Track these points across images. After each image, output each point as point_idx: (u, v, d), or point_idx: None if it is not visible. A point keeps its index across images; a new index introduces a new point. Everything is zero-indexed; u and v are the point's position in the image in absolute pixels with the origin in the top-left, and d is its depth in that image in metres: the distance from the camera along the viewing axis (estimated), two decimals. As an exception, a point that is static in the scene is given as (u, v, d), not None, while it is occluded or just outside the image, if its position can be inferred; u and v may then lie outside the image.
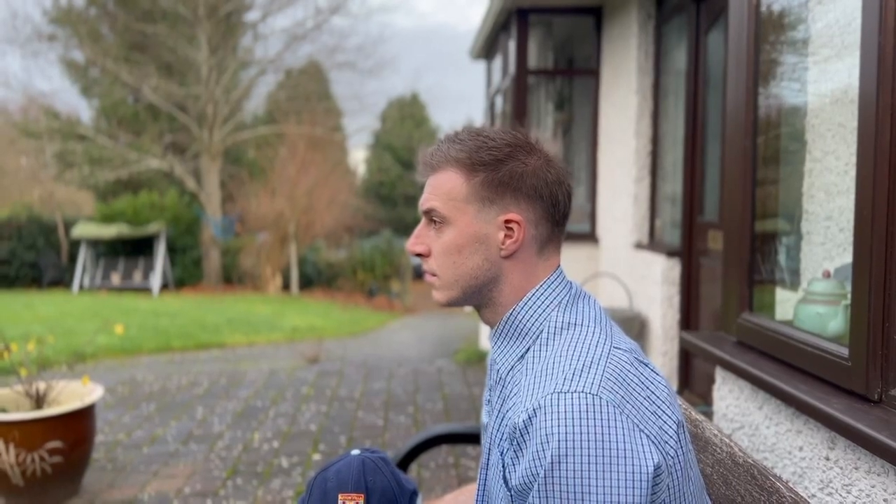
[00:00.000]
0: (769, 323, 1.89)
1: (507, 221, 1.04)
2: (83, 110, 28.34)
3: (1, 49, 25.30)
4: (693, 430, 1.48)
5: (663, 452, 0.90)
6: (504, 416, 1.01)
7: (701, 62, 3.88)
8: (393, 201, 30.70)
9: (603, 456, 0.86)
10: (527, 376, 0.98)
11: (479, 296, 1.08)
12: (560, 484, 0.86)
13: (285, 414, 4.72)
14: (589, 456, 0.86)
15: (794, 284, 2.12)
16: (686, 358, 4.05)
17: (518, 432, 0.91)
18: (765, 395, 1.79)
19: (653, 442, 0.89)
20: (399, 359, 6.87)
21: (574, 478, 0.86)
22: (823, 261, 1.95)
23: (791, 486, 1.23)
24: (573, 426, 0.86)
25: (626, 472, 0.86)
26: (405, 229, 28.74)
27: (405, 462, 2.01)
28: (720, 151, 3.65)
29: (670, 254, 4.10)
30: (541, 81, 6.73)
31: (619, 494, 0.85)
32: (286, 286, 19.41)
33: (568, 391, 0.89)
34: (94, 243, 18.27)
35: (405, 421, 4.52)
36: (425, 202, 1.08)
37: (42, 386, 3.34)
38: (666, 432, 0.92)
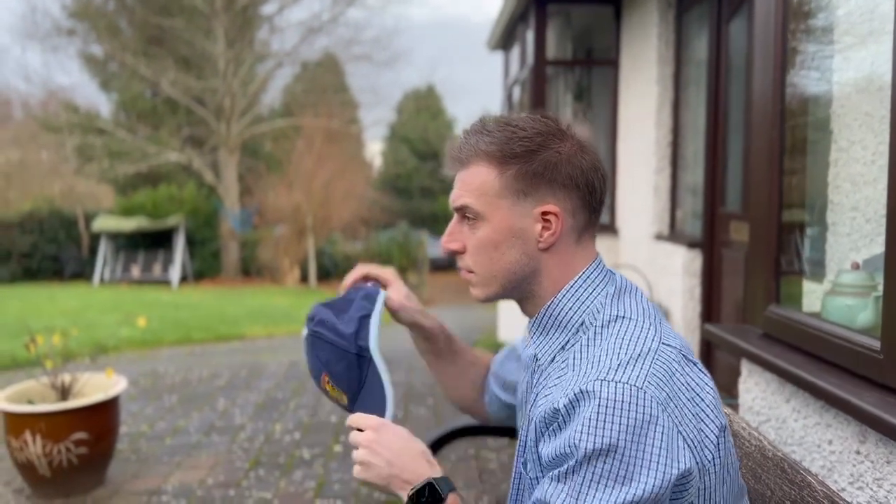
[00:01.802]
0: (797, 315, 1.87)
1: (544, 213, 1.01)
2: (102, 104, 28.57)
3: (21, 44, 25.71)
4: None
5: (699, 457, 0.89)
6: (545, 400, 1.00)
7: (723, 51, 3.83)
8: (409, 193, 30.69)
9: (637, 450, 0.85)
10: (573, 364, 0.97)
11: (519, 290, 1.07)
12: (590, 469, 0.86)
13: (306, 406, 4.75)
14: (625, 447, 0.85)
15: (819, 276, 2.09)
16: (708, 349, 4.02)
17: (560, 414, 0.91)
18: (792, 388, 1.77)
19: (688, 445, 0.88)
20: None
21: (605, 465, 0.86)
22: (850, 252, 1.92)
23: (821, 479, 1.22)
24: (615, 415, 0.86)
25: (653, 469, 0.85)
26: (422, 222, 28.75)
27: (428, 455, 2.01)
28: (743, 141, 3.61)
29: (691, 245, 4.06)
30: (559, 72, 6.69)
31: (638, 485, 0.85)
32: (304, 278, 19.50)
33: (614, 380, 0.88)
34: (114, 236, 18.44)
35: (425, 413, 4.53)
36: (457, 199, 1.06)
37: (67, 378, 3.38)
38: (707, 437, 0.91)
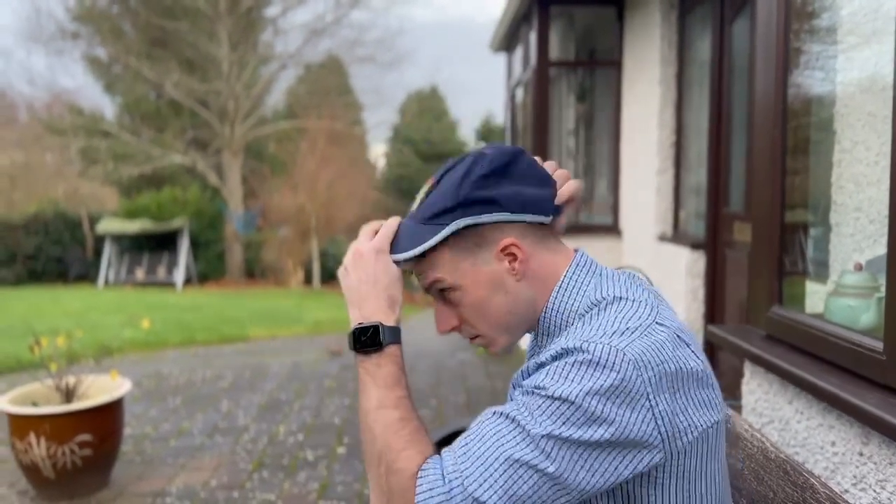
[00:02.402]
0: (799, 316, 1.86)
1: (502, 250, 1.03)
2: (106, 107, 28.63)
3: (26, 47, 25.86)
4: (723, 425, 1.46)
5: (667, 430, 0.90)
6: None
7: (725, 52, 3.83)
8: (412, 195, 30.50)
9: (599, 395, 0.87)
10: (567, 338, 0.98)
11: (528, 322, 1.08)
12: (552, 404, 0.88)
13: (309, 407, 4.76)
14: (588, 385, 0.87)
15: (822, 277, 2.09)
16: (711, 351, 4.01)
17: (543, 366, 0.94)
18: (795, 390, 1.76)
19: (655, 417, 0.89)
20: (420, 352, 6.87)
21: (565, 409, 0.87)
22: (853, 252, 1.92)
23: (824, 481, 1.21)
24: (595, 363, 0.88)
25: (609, 423, 0.87)
26: (425, 222, 28.71)
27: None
28: (746, 142, 3.60)
29: (695, 246, 4.06)
30: (562, 73, 6.69)
31: (588, 430, 0.87)
32: (308, 280, 19.52)
33: (601, 342, 0.90)
34: (119, 238, 18.49)
35: (428, 414, 4.53)
36: (426, 280, 1.07)
37: (72, 380, 3.39)
38: (689, 415, 0.92)
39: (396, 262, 1.07)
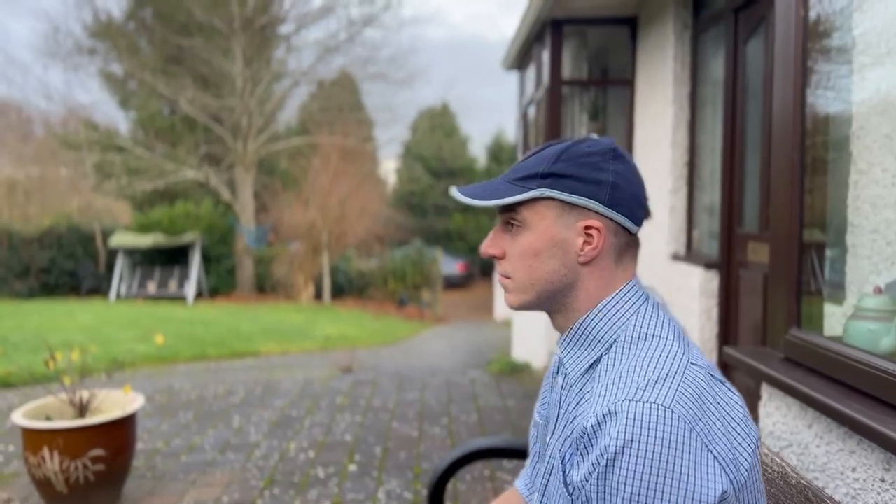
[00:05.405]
0: (818, 339, 1.85)
1: (587, 227, 1.02)
2: (121, 122, 28.97)
3: (43, 63, 26.12)
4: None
5: (733, 475, 0.89)
6: (573, 420, 1.01)
7: (739, 72, 3.84)
8: (423, 211, 30.78)
9: (666, 470, 0.85)
10: (599, 383, 0.97)
11: (553, 301, 1.07)
12: (617, 485, 0.86)
13: (321, 424, 4.75)
14: (652, 466, 0.85)
15: (839, 299, 2.08)
16: (725, 372, 3.98)
17: (586, 435, 0.92)
18: (815, 413, 1.75)
19: (720, 465, 0.88)
20: (432, 369, 6.86)
21: (633, 483, 0.85)
22: (870, 275, 1.90)
23: (847, 508, 1.20)
24: (642, 434, 0.86)
25: (685, 493, 0.85)
26: (436, 239, 28.81)
27: (444, 477, 2.00)
28: (760, 161, 3.59)
29: (708, 265, 4.04)
30: (574, 91, 6.71)
31: None
32: (318, 295, 19.56)
33: (641, 400, 0.88)
34: (131, 252, 18.62)
35: (440, 433, 4.51)
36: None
37: (85, 394, 3.41)
38: (740, 453, 0.91)
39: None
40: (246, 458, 4.06)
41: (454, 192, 1.08)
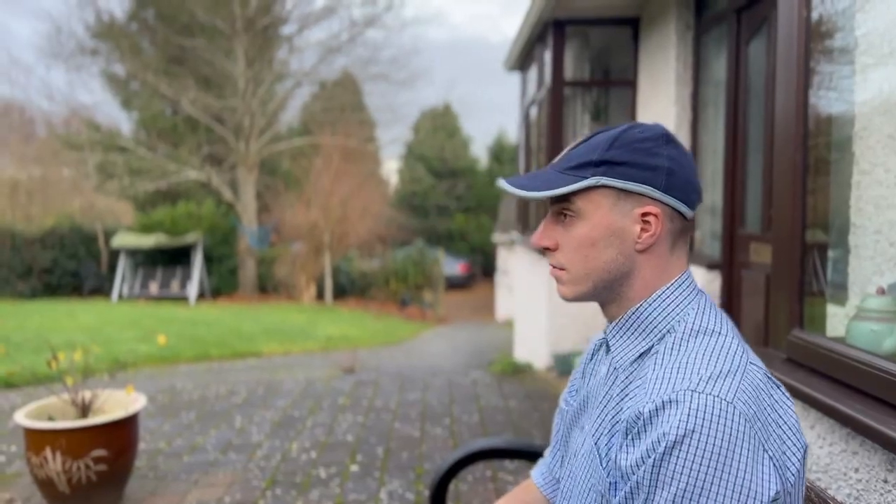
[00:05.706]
0: (821, 340, 1.85)
1: (644, 214, 1.01)
2: (123, 122, 29.02)
3: (46, 63, 26.10)
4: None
5: (783, 478, 0.88)
6: (619, 406, 1.00)
7: (742, 72, 3.83)
8: (425, 211, 30.81)
9: (724, 464, 0.84)
10: (655, 371, 0.96)
11: (609, 291, 1.05)
12: (673, 474, 0.85)
13: (322, 424, 4.75)
14: (711, 459, 0.84)
15: (841, 299, 2.07)
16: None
17: (641, 420, 0.90)
18: (817, 414, 1.75)
19: (775, 465, 0.87)
20: (433, 369, 6.87)
21: (689, 474, 0.85)
22: (873, 275, 1.90)
23: (850, 509, 1.20)
24: (703, 426, 0.85)
25: (741, 490, 0.84)
26: (437, 239, 28.84)
27: (446, 478, 2.00)
28: (762, 162, 3.59)
29: (710, 266, 4.04)
30: (576, 92, 6.71)
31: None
32: (320, 295, 19.57)
33: (704, 392, 0.87)
34: (133, 253, 18.64)
35: (442, 433, 4.51)
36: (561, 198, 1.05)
37: (87, 395, 3.41)
38: (789, 459, 0.91)
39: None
40: (248, 458, 4.07)
41: (502, 183, 1.05)
